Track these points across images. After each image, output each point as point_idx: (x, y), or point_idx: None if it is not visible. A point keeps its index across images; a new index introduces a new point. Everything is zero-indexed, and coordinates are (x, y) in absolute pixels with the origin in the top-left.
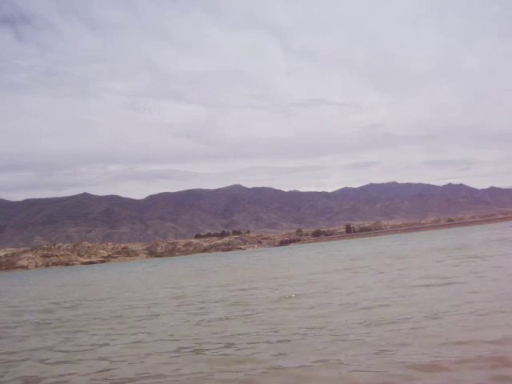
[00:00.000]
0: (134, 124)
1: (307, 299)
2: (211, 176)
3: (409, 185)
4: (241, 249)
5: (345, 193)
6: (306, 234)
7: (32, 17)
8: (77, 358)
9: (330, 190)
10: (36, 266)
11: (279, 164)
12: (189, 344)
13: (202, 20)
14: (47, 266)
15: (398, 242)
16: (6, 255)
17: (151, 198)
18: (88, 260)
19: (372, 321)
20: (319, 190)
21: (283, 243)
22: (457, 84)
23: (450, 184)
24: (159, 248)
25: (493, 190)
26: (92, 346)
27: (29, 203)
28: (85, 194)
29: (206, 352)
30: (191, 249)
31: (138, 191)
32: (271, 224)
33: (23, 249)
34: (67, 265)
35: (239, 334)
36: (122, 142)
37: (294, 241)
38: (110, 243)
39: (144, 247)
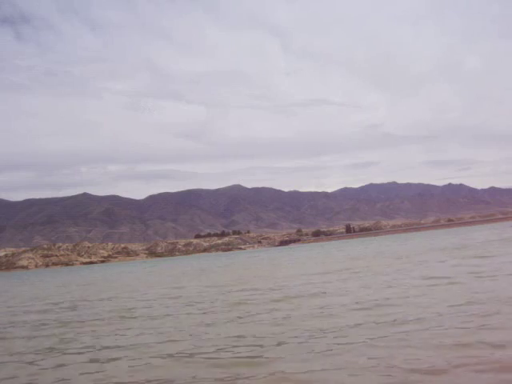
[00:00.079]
0: (133, 124)
1: (307, 300)
2: (211, 176)
3: (409, 185)
4: (241, 249)
5: (345, 193)
6: (306, 234)
7: (32, 17)
8: (75, 358)
9: (329, 189)
10: (36, 266)
11: (279, 164)
12: (187, 346)
13: (201, 20)
14: (47, 266)
15: (398, 242)
16: (5, 255)
17: (151, 198)
18: (88, 260)
19: (373, 322)
20: (319, 189)
21: (283, 243)
22: (457, 84)
23: (449, 184)
24: (159, 248)
25: (493, 190)
26: (92, 346)
27: (29, 203)
28: (85, 194)
29: (202, 355)
30: (191, 249)
31: (138, 191)
32: (271, 224)
33: (23, 249)
34: (67, 265)
35: (239, 336)
36: (122, 142)
37: (293, 241)
38: (109, 243)
39: (144, 247)
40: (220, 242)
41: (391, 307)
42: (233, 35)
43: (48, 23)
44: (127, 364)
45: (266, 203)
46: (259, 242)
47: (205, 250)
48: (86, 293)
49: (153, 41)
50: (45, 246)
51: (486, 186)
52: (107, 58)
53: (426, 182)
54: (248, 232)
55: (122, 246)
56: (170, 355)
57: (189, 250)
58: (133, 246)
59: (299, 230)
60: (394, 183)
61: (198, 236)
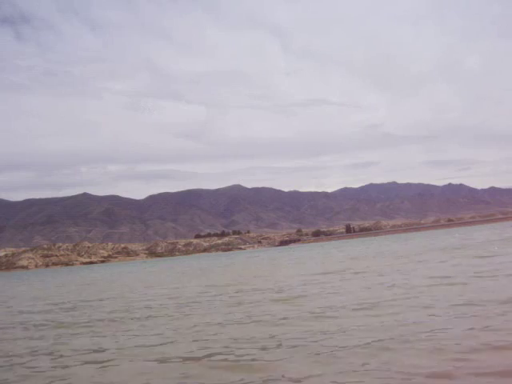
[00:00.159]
0: (133, 124)
1: (308, 300)
2: (211, 176)
3: (409, 185)
4: (241, 249)
5: (345, 193)
6: (306, 234)
7: (32, 17)
8: (74, 360)
9: (330, 190)
10: (36, 266)
11: (279, 164)
12: (186, 348)
13: (202, 20)
14: (47, 266)
15: (398, 242)
16: (6, 255)
17: (151, 198)
18: (88, 260)
19: (373, 323)
20: (319, 190)
21: (283, 243)
22: (457, 84)
23: (449, 184)
24: (159, 248)
25: (493, 190)
26: (92, 347)
27: (29, 203)
28: (85, 194)
29: (202, 357)
30: (191, 249)
31: (138, 191)
32: (271, 224)
33: (23, 249)
34: (67, 265)
35: (238, 337)
36: (122, 142)
37: (293, 241)
38: (110, 243)
39: (144, 247)
40: (220, 242)
41: (391, 308)
42: (233, 35)
43: (48, 23)
44: (127, 365)
45: (266, 203)
46: (259, 242)
47: (205, 250)
48: (85, 293)
49: (153, 41)
50: (45, 246)
51: (486, 186)
52: (107, 58)
53: (425, 181)
54: (248, 232)
55: (122, 246)
56: (170, 357)
57: (189, 250)
58: (133, 246)
59: (299, 230)
60: (394, 183)
61: (197, 236)
